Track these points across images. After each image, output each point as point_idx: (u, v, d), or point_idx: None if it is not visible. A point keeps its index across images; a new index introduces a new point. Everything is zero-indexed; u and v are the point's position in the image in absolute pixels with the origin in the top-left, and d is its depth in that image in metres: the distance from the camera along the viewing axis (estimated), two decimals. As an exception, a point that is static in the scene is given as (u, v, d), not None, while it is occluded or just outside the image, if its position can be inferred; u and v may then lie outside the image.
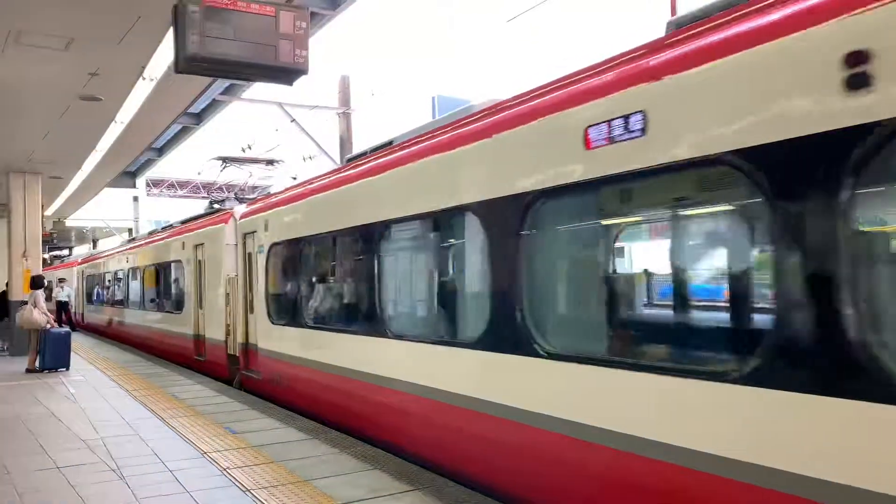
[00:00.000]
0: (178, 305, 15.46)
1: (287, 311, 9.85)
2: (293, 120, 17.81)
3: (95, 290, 26.59)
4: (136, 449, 7.26)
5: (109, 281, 24.00)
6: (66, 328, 15.38)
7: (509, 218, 5.24)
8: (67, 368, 13.87)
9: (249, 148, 26.49)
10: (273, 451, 7.02)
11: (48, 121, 12.36)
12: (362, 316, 7.73)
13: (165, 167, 31.16)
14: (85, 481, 6.13)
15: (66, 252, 49.55)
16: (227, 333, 12.35)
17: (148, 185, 34.32)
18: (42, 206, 18.91)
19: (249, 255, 11.38)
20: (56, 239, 41.37)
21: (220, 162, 15.78)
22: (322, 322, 8.89)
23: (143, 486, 5.93)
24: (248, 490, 5.74)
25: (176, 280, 16.08)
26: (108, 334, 23.44)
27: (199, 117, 20.64)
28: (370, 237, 7.47)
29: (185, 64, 5.79)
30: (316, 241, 9.11)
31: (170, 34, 6.25)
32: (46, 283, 26.55)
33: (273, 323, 10.19)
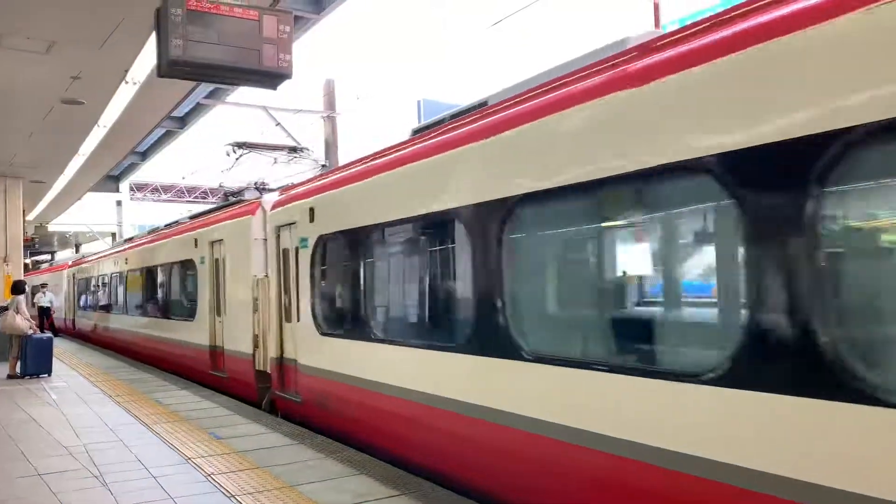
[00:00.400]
0: (190, 312, 13.37)
1: (346, 319, 7.78)
2: (278, 123, 17.77)
3: (90, 295, 24.19)
4: (118, 455, 7.19)
5: (106, 284, 21.60)
6: (48, 333, 15.23)
7: (802, 170, 3.21)
8: (49, 374, 13.74)
9: (234, 151, 26.39)
10: (258, 456, 6.99)
11: (30, 124, 12.27)
12: (470, 328, 5.62)
13: (149, 171, 31.02)
14: (67, 488, 6.07)
15: (48, 257, 49.07)
16: (256, 346, 10.37)
17: (132, 189, 34.06)
18: (23, 211, 18.75)
19: (285, 251, 9.45)
20: (38, 244, 40.99)
21: (234, 149, 13.73)
22: (405, 335, 6.85)
23: (126, 493, 5.88)
24: (233, 496, 5.71)
25: (186, 282, 13.98)
26: (105, 343, 21.30)
27: (183, 121, 20.58)
28: (491, 219, 5.30)
29: (168, 68, 5.76)
30: (394, 229, 6.99)
31: (152, 38, 6.22)
32: (31, 289, 26.13)
33: (323, 334, 8.20)
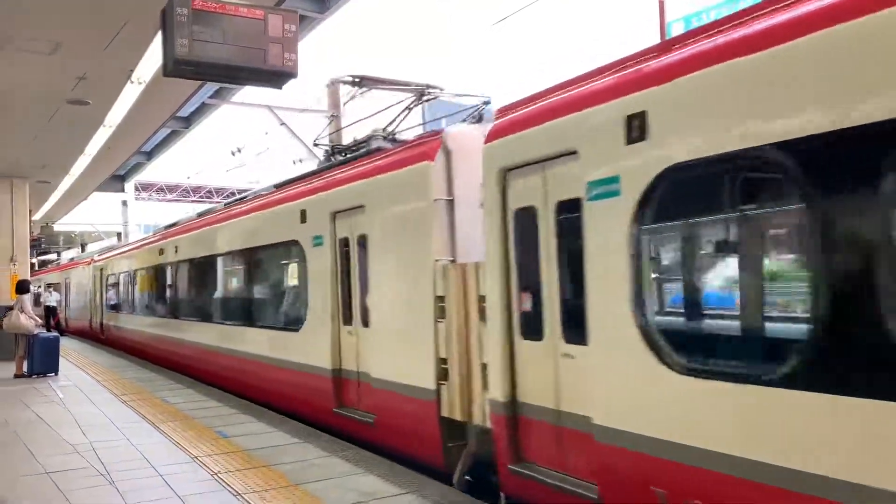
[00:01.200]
0: (292, 318, 9.56)
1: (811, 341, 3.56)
2: (283, 123, 17.80)
3: (124, 295, 19.67)
4: (125, 453, 7.23)
5: (149, 281, 17.14)
6: (54, 333, 15.30)
7: None
8: (56, 373, 13.80)
9: (239, 151, 26.54)
10: (264, 454, 7.01)
11: (36, 125, 12.30)
12: None
13: (155, 171, 31.11)
14: (74, 486, 6.10)
15: (54, 256, 49.29)
16: (442, 378, 6.49)
17: (137, 188, 34.28)
18: (30, 211, 18.83)
19: (523, 212, 5.57)
20: (44, 243, 41.20)
21: (351, 87, 9.43)
22: None
23: (133, 491, 5.91)
24: (240, 494, 5.73)
25: (284, 275, 10.27)
26: (146, 354, 17.06)
27: (188, 121, 20.60)
28: None
29: (174, 67, 5.79)
30: None
31: (158, 38, 6.25)
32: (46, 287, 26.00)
33: (686, 370, 4.13)
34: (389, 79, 9.50)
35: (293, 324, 9.37)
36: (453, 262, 6.53)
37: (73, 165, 16.16)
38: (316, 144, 10.33)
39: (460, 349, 6.25)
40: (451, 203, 6.64)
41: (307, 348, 8.89)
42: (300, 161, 19.57)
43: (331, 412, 8.28)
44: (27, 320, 13.49)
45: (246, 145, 26.40)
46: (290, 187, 10.15)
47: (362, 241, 7.85)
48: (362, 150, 8.76)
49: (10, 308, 13.94)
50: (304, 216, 9.10)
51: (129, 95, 10.74)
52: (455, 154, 6.69)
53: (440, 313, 6.51)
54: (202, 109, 19.60)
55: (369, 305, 7.66)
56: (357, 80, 9.18)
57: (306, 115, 19.03)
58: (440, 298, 6.50)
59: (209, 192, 37.26)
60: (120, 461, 6.91)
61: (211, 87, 16.21)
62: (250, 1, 6.02)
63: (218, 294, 12.63)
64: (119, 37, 8.34)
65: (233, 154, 26.70)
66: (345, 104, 9.89)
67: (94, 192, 23.54)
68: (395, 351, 7.22)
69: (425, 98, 9.12)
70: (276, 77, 6.20)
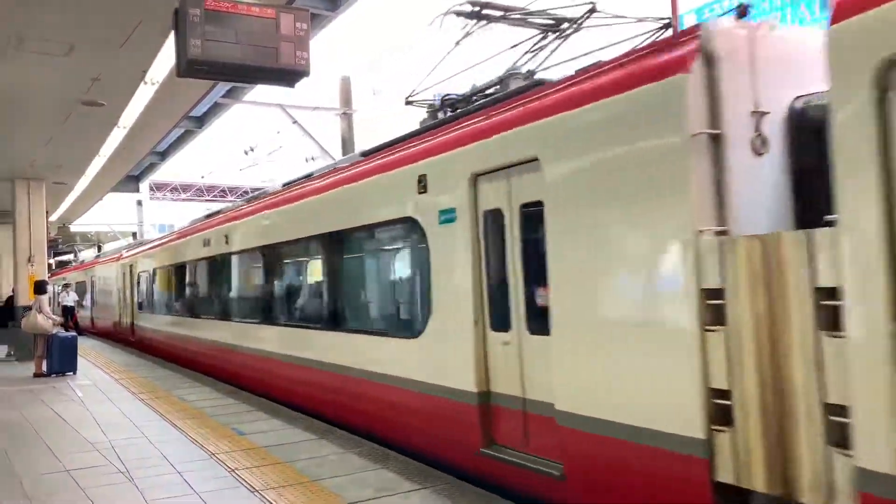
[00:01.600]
0: (405, 321, 7.41)
1: None
2: (295, 121, 17.87)
3: (162, 294, 17.24)
4: (143, 451, 7.29)
5: (192, 278, 14.72)
6: (72, 332, 15.46)
7: None
8: (75, 372, 13.93)
9: (252, 150, 26.67)
10: (280, 451, 7.05)
11: (51, 127, 12.43)
12: None
13: (168, 170, 31.33)
14: (94, 483, 6.17)
15: (71, 256, 49.76)
16: (720, 421, 3.94)
17: (151, 188, 34.54)
18: (46, 212, 19.03)
19: None
20: (61, 244, 41.63)
21: (467, 19, 6.82)
22: None
23: (153, 488, 5.96)
24: (257, 490, 5.77)
25: (391, 265, 8.01)
26: (189, 361, 14.53)
27: (201, 121, 20.72)
28: None
29: (187, 68, 5.83)
30: None
31: (171, 38, 6.30)
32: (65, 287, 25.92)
33: None
34: (521, 7, 6.95)
35: (406, 329, 7.13)
36: (724, 233, 4.04)
37: (89, 166, 16.32)
38: (409, 103, 8.04)
39: (763, 377, 3.76)
40: (717, 140, 4.11)
41: (431, 361, 6.51)
42: (312, 159, 19.67)
43: (471, 452, 5.90)
44: (45, 320, 13.63)
45: (258, 144, 26.59)
46: (391, 151, 7.59)
47: (533, 212, 5.38)
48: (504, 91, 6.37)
49: (29, 308, 14.10)
50: (422, 184, 6.61)
51: (143, 96, 10.84)
52: (724, 64, 4.14)
53: (713, 317, 3.99)
54: (215, 109, 19.72)
55: (551, 304, 5.14)
56: (477, 9, 6.74)
57: (318, 112, 19.10)
58: (711, 293, 3.99)
59: (223, 191, 37.48)
60: (139, 458, 6.98)
61: (223, 86, 16.30)
62: (262, 0, 6.05)
63: (288, 291, 10.26)
64: (132, 38, 8.41)
65: (245, 153, 26.88)
66: (457, 43, 7.25)
67: (110, 192, 23.75)
68: (610, 373, 4.67)
69: (584, 24, 6.45)
70: (289, 76, 6.23)
